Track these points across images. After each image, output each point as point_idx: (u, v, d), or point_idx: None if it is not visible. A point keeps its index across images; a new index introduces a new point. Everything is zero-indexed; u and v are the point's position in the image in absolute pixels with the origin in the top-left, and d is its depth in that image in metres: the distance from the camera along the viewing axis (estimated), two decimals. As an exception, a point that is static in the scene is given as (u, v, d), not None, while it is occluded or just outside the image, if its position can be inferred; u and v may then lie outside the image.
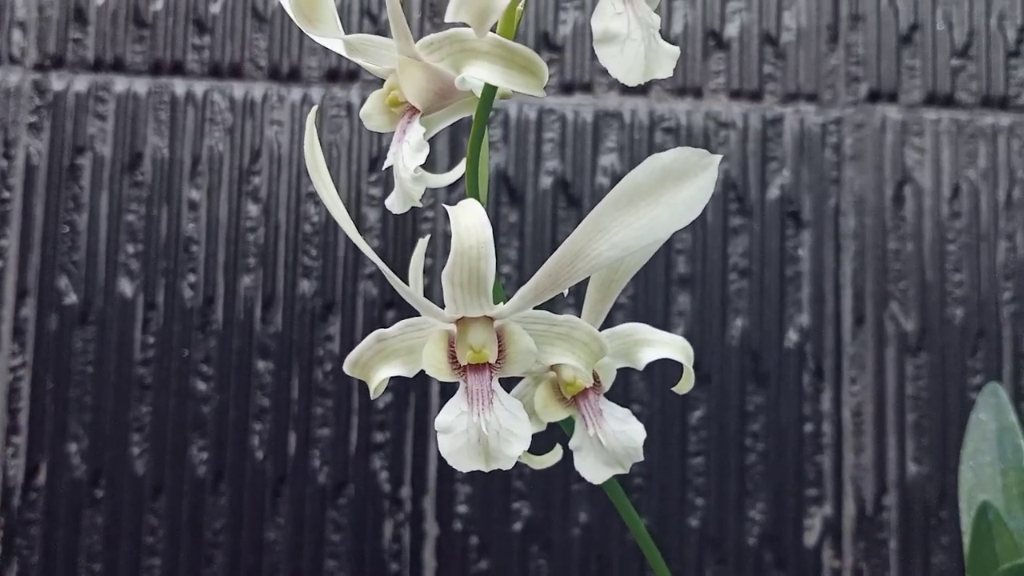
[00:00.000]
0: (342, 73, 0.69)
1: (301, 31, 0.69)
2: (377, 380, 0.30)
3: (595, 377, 0.33)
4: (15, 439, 0.66)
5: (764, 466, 0.68)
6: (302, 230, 0.68)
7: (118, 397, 0.66)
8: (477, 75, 0.29)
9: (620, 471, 0.33)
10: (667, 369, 0.68)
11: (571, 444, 0.33)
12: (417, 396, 0.66)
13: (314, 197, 0.68)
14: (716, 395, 0.68)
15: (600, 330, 0.34)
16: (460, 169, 0.33)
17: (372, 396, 0.31)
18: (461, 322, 0.30)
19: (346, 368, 0.30)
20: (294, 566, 0.66)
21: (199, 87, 0.69)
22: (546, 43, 0.70)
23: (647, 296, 0.69)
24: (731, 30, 0.71)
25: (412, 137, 0.30)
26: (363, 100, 0.69)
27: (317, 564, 0.66)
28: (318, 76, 0.69)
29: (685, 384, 0.36)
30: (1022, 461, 0.38)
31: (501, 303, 0.30)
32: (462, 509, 0.66)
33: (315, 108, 0.32)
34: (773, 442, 0.68)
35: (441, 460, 0.36)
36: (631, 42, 0.27)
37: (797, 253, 0.69)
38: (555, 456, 0.36)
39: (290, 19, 0.73)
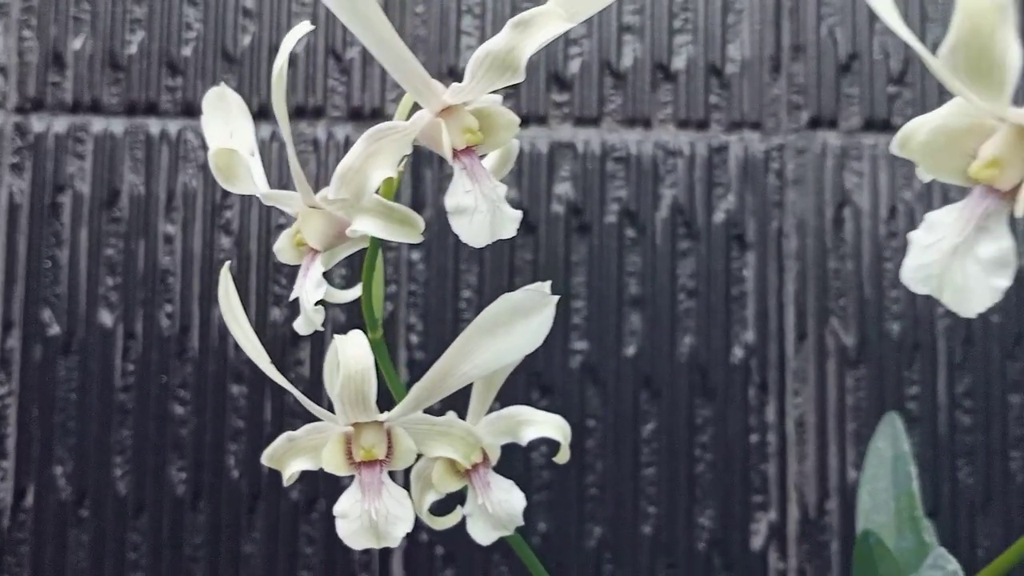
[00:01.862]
0: (308, 110, 0.73)
1: (269, 71, 0.73)
2: (289, 472, 0.36)
3: (485, 454, 0.39)
4: (3, 463, 0.70)
5: (712, 475, 0.72)
6: (272, 260, 0.71)
7: (101, 422, 0.70)
8: (363, 228, 0.34)
9: (505, 533, 0.39)
10: (620, 385, 0.72)
11: (464, 511, 0.40)
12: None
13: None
14: (666, 409, 0.72)
15: (488, 413, 0.41)
16: (358, 290, 0.38)
17: (285, 484, 0.36)
18: (357, 425, 0.35)
19: (263, 460, 0.36)
20: (270, 578, 0.70)
21: (173, 126, 0.72)
22: (502, 78, 0.74)
23: (600, 316, 0.73)
24: (678, 63, 0.75)
25: (313, 275, 0.35)
26: (329, 135, 0.73)
27: None
28: (285, 113, 0.73)
29: (562, 456, 0.42)
30: (911, 486, 0.42)
31: (387, 411, 0.36)
32: (428, 521, 0.70)
33: (228, 263, 0.36)
34: (721, 452, 0.72)
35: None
36: (478, 214, 0.32)
37: (742, 274, 0.73)
38: (455, 518, 0.41)
39: (258, 59, 0.77)
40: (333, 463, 0.35)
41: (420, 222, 0.34)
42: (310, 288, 0.35)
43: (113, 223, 0.72)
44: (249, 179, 0.37)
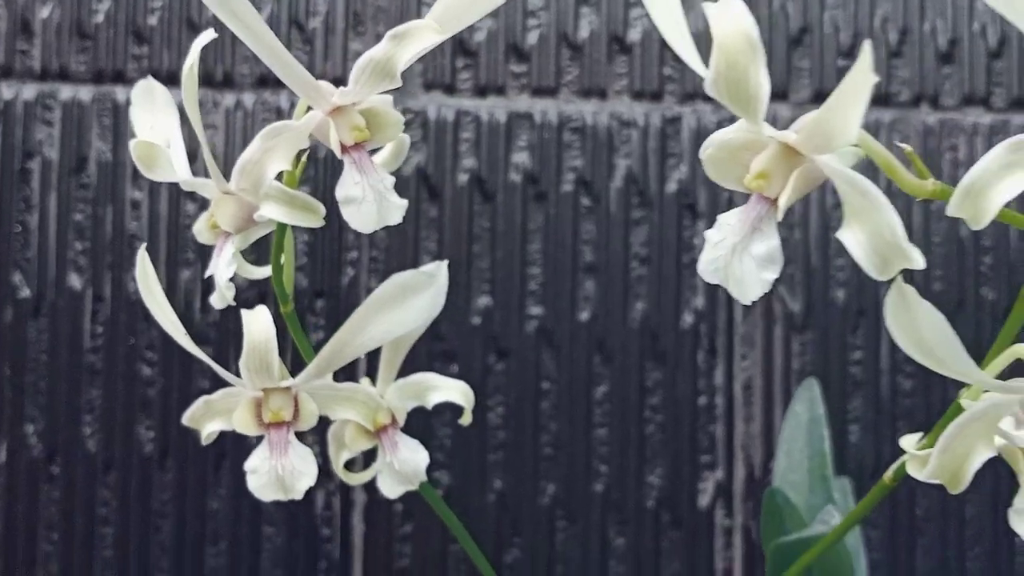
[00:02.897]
0: (272, 79, 0.75)
1: (234, 39, 0.75)
2: (206, 432, 0.40)
3: (393, 416, 0.43)
4: (-23, 422, 0.72)
5: (662, 436, 0.75)
6: (237, 227, 0.74)
7: (70, 382, 0.73)
8: (268, 214, 0.37)
9: (411, 488, 0.43)
10: (574, 349, 0.75)
11: (375, 467, 0.44)
12: (346, 375, 0.73)
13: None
14: (618, 372, 0.75)
15: (397, 379, 0.44)
16: (268, 269, 0.41)
17: (203, 443, 0.39)
18: (267, 390, 0.39)
19: (184, 421, 0.39)
20: (235, 532, 0.73)
21: (139, 94, 0.74)
22: (462, 49, 0.76)
23: (556, 282, 0.75)
24: (633, 35, 0.77)
25: (225, 255, 0.38)
26: (292, 104, 0.75)
27: (255, 530, 0.73)
28: (250, 82, 0.75)
29: (466, 419, 0.46)
30: (823, 446, 0.45)
31: (291, 377, 0.40)
32: (387, 479, 0.73)
33: (144, 246, 0.39)
34: (670, 414, 0.75)
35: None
36: (366, 203, 0.35)
37: (693, 242, 0.76)
38: (370, 474, 0.44)
39: (223, 29, 0.79)
40: (244, 424, 0.39)
41: (320, 208, 0.37)
42: (222, 267, 0.39)
43: (81, 189, 0.74)
44: (169, 167, 0.40)
